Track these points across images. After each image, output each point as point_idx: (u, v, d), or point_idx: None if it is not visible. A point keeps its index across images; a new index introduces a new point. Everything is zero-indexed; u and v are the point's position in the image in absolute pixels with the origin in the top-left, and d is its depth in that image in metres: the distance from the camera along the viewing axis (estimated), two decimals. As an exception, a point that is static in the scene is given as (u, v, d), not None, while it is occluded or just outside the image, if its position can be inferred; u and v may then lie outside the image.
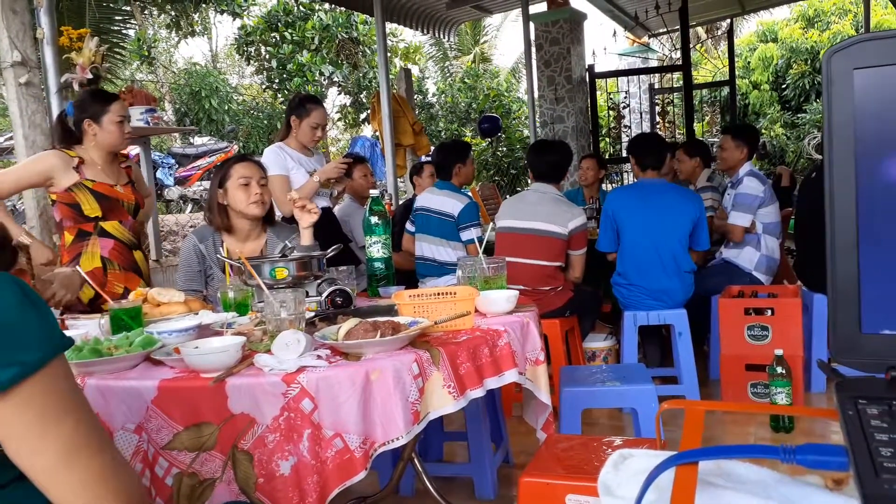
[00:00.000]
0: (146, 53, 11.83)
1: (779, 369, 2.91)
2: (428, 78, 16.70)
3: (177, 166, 8.75)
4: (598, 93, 7.91)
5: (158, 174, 8.29)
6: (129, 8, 11.41)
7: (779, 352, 2.94)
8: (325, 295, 1.91)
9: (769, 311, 3.19)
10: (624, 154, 7.48)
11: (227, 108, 12.18)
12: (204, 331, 1.81)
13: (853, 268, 0.60)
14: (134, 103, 3.69)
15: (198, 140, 11.37)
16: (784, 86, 12.99)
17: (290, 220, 2.97)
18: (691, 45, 7.72)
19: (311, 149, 3.38)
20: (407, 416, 1.37)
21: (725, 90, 9.02)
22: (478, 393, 1.52)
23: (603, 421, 3.25)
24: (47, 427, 0.74)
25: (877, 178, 0.59)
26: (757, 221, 3.64)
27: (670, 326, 3.41)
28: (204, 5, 11.88)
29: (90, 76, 3.60)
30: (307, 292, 1.97)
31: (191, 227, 6.78)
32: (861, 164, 0.60)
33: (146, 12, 12.76)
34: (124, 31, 10.59)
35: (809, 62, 12.72)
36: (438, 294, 1.84)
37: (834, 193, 0.61)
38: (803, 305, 3.22)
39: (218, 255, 2.31)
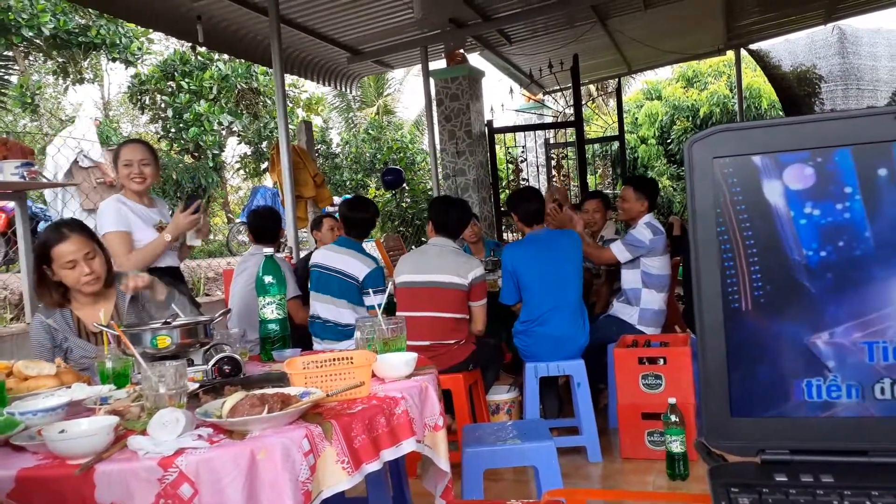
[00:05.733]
0: (29, 101, 11.20)
1: (673, 417, 3.00)
2: (332, 128, 16.71)
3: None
4: (498, 147, 8.15)
5: (40, 227, 7.76)
6: (10, 53, 10.84)
7: (672, 400, 3.04)
8: (211, 363, 1.81)
9: (661, 360, 3.30)
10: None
11: (117, 158, 11.66)
12: (75, 407, 1.66)
13: (721, 352, 0.60)
14: (8, 156, 3.45)
15: (86, 191, 10.77)
16: (669, 140, 13.87)
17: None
18: (583, 102, 8.11)
19: (149, 197, 3.15)
20: (297, 497, 1.29)
21: (616, 144, 9.52)
22: (374, 466, 1.46)
23: (508, 476, 3.23)
24: None
25: (739, 264, 0.61)
26: (641, 272, 3.79)
27: (569, 377, 3.47)
28: (94, 52, 11.46)
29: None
30: (192, 360, 1.86)
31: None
32: (724, 250, 0.61)
33: (30, 58, 12.17)
34: (6, 78, 10.03)
35: (691, 118, 13.67)
36: (334, 360, 1.77)
37: (700, 278, 0.62)
38: (693, 353, 3.36)
39: (94, 324, 2.15)
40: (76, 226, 2.31)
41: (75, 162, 7.62)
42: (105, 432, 1.33)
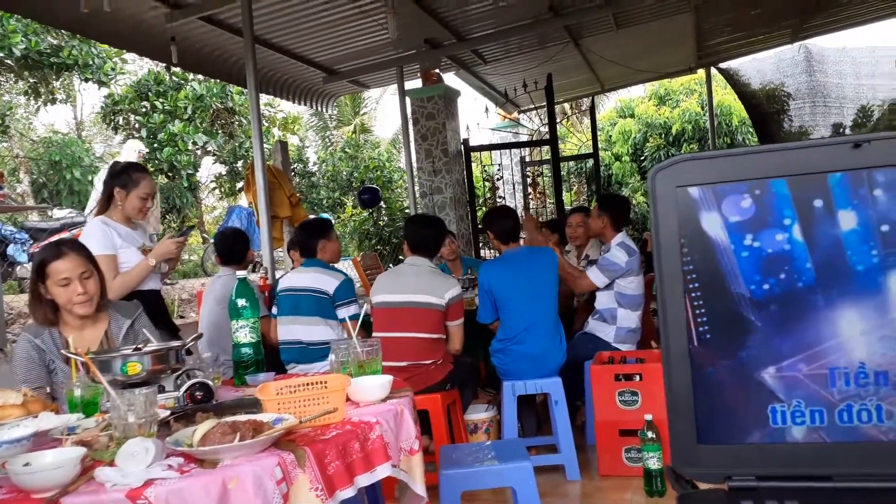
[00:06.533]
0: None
1: (649, 434, 3.01)
2: (308, 147, 16.68)
3: (31, 241, 8.09)
4: (474, 165, 8.18)
5: (10, 250, 7.63)
6: (-21, 73, 10.70)
7: (648, 416, 3.05)
8: (182, 390, 1.78)
9: (638, 377, 3.32)
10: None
11: (91, 178, 11.50)
12: (42, 437, 1.62)
13: (687, 380, 0.61)
14: (-24, 179, 3.39)
15: (58, 213, 10.60)
16: (642, 157, 14.05)
17: (128, 297, 2.78)
18: (557, 121, 8.19)
19: (135, 221, 3.10)
20: (269, 526, 1.27)
21: (590, 162, 9.62)
22: (348, 493, 1.45)
23: (486, 497, 3.21)
24: None
25: (703, 292, 0.61)
26: (615, 293, 3.80)
27: (546, 395, 3.47)
28: (67, 73, 11.34)
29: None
30: (163, 387, 1.83)
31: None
32: (688, 278, 0.62)
33: (1, 78, 12.01)
34: (-26, 98, 9.90)
35: (663, 136, 13.87)
36: (308, 385, 1.76)
37: (666, 306, 0.62)
38: (669, 369, 3.37)
39: (62, 351, 2.10)
40: (75, 244, 2.30)
41: None
42: (71, 464, 1.30)
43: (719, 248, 0.60)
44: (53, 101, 12.45)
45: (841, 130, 9.88)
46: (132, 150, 9.15)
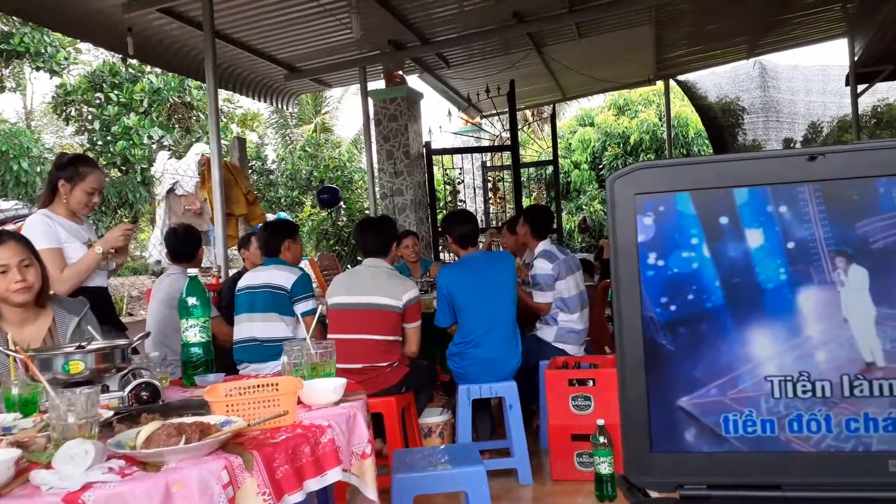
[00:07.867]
0: (-58, 107, 10.60)
1: (601, 439, 3.04)
2: (268, 144, 16.46)
3: (-28, 233, 7.78)
4: (436, 168, 8.18)
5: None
6: (-78, 57, 10.26)
7: (600, 421, 3.07)
8: (127, 389, 1.72)
9: (591, 382, 3.35)
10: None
11: (39, 170, 11.12)
12: (-25, 439, 1.55)
13: (641, 387, 0.60)
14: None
15: (2, 204, 10.24)
16: (601, 166, 14.27)
17: (73, 294, 2.69)
18: (519, 127, 8.25)
19: (80, 216, 2.99)
20: (214, 532, 1.23)
21: (550, 169, 9.72)
22: (297, 497, 1.41)
23: (439, 501, 3.19)
24: None
25: (659, 301, 0.61)
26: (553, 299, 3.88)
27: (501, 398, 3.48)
28: (17, 60, 10.97)
29: None
30: (107, 387, 1.76)
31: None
32: (645, 287, 0.62)
33: (-56, 63, 11.55)
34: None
35: (621, 145, 14.11)
36: (258, 387, 1.71)
37: (622, 314, 0.62)
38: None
39: (0, 348, 2.02)
40: (15, 234, 2.22)
41: (172, 190, 9.04)
42: (4, 466, 1.24)
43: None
44: (2, 90, 12.05)
45: (792, 145, 10.20)
46: (196, 154, 9.49)
